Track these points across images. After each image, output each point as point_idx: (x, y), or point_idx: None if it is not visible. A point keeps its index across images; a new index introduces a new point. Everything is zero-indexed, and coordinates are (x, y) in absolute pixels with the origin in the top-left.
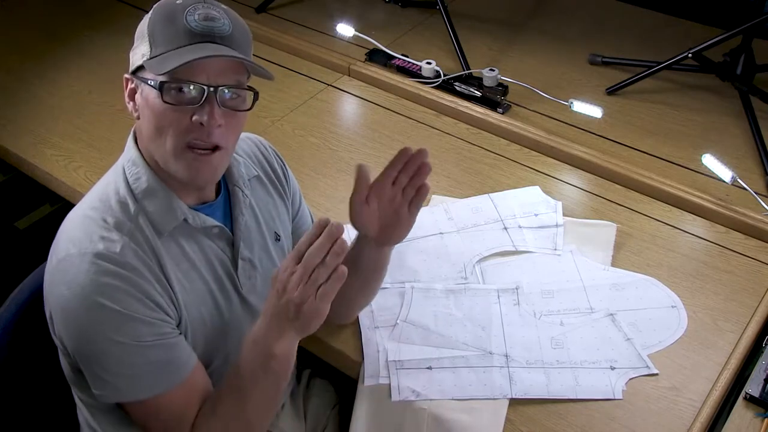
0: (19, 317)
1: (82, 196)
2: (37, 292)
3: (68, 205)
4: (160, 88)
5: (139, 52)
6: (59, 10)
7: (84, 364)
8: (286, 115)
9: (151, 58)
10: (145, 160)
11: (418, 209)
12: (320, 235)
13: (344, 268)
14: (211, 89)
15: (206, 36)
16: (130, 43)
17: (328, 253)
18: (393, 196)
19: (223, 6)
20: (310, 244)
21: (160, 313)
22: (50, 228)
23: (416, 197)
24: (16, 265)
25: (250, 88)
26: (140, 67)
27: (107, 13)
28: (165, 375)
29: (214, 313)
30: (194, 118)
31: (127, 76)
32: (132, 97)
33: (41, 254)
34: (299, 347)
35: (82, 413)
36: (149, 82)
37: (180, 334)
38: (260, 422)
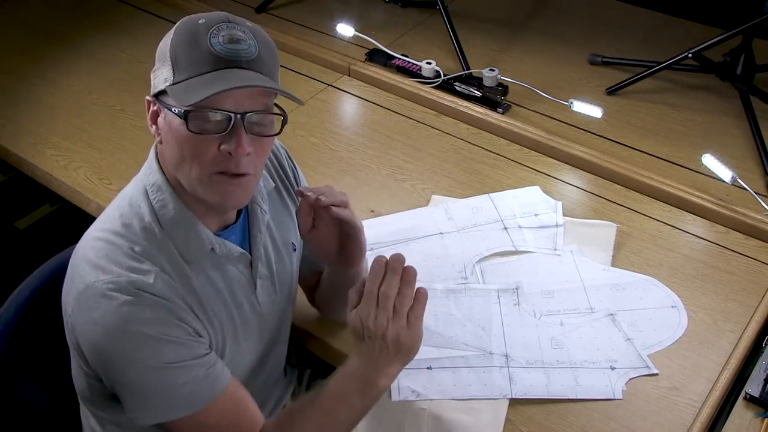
0: (20, 317)
1: (82, 196)
2: (38, 293)
3: (68, 205)
4: (185, 116)
5: (162, 76)
6: (59, 11)
7: (121, 390)
8: None
9: (174, 84)
10: (170, 184)
11: (345, 218)
12: (383, 272)
13: (424, 290)
14: (238, 116)
15: (232, 61)
16: (130, 43)
17: (401, 284)
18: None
19: (248, 24)
20: (379, 284)
21: (195, 336)
22: (50, 228)
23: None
24: (16, 265)
25: (279, 113)
26: (163, 92)
27: (107, 13)
28: (205, 389)
29: (232, 337)
30: (222, 147)
31: (149, 98)
32: (155, 120)
33: (41, 254)
34: (299, 347)
35: (89, 421)
36: (173, 109)
37: (213, 351)
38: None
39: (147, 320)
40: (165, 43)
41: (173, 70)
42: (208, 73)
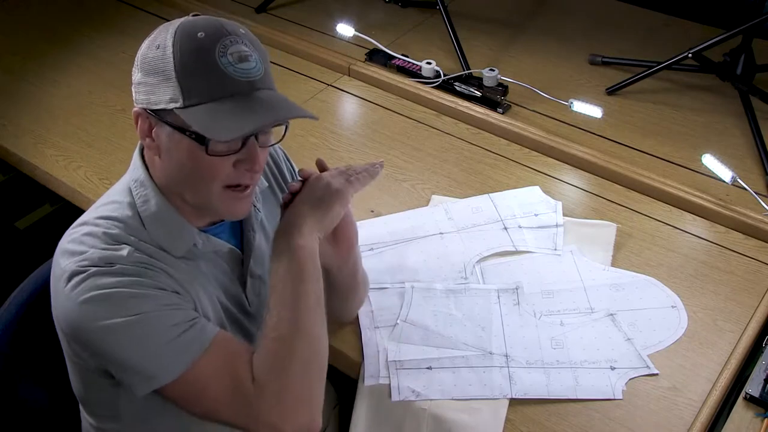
0: (20, 317)
1: (82, 196)
2: (38, 293)
3: (68, 205)
4: (205, 142)
5: (164, 96)
6: (59, 11)
7: (113, 366)
8: None
9: (186, 108)
10: (154, 182)
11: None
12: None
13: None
14: (252, 136)
15: (247, 84)
16: (131, 43)
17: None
18: None
19: (241, 30)
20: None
21: (173, 293)
22: (50, 228)
23: None
24: (16, 265)
25: (284, 123)
26: (165, 110)
27: (107, 13)
28: (192, 340)
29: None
30: (240, 166)
31: (138, 111)
32: (149, 134)
33: (41, 254)
34: None
35: (88, 420)
36: (186, 133)
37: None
38: (318, 330)
39: (117, 283)
40: (162, 58)
41: (182, 92)
42: (227, 98)
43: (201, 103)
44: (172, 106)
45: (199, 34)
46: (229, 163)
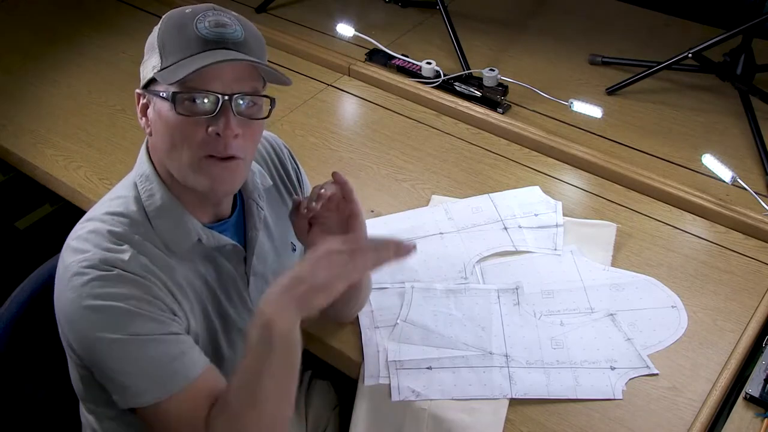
0: (20, 317)
1: (82, 196)
2: (38, 292)
3: (68, 205)
4: (173, 99)
5: (150, 65)
6: (59, 11)
7: (97, 368)
8: (286, 116)
9: (162, 69)
10: (159, 175)
11: (351, 198)
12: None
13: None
14: (226, 98)
15: (218, 43)
16: (130, 43)
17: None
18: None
19: (233, 13)
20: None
21: (168, 314)
22: (50, 228)
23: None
24: (16, 265)
25: (267, 96)
26: (151, 80)
27: (107, 13)
28: (178, 371)
29: (223, 334)
30: (210, 129)
31: (138, 91)
32: (144, 113)
33: (41, 254)
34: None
35: (87, 419)
36: (161, 94)
37: (190, 336)
38: (274, 409)
39: (115, 294)
40: (152, 35)
41: (161, 57)
42: (195, 55)
43: (174, 63)
44: (154, 72)
45: (186, 10)
46: (202, 129)
